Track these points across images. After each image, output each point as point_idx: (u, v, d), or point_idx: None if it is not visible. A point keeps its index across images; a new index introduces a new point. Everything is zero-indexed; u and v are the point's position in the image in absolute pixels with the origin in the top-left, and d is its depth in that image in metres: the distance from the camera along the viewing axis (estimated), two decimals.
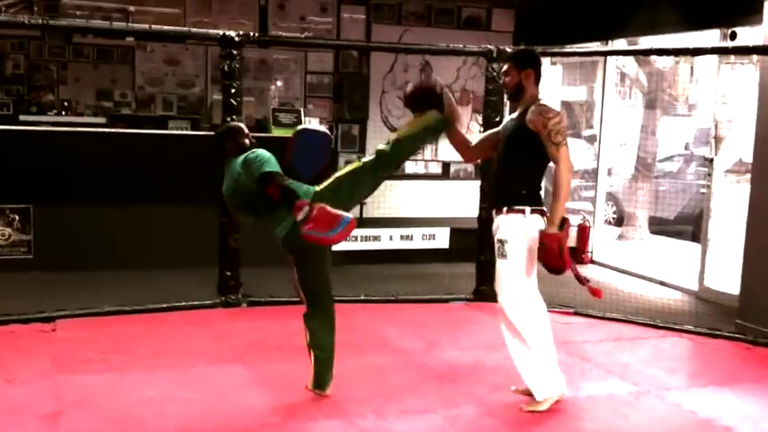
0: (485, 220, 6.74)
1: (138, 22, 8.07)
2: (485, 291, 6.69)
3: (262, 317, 6.05)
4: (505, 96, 5.64)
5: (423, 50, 7.95)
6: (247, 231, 6.35)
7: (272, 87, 9.13)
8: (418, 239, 8.19)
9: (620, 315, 6.43)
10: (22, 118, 7.83)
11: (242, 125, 4.55)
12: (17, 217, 7.11)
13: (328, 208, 3.91)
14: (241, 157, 4.24)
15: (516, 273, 4.26)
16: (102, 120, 8.09)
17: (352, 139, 9.20)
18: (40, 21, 6.37)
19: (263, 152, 4.23)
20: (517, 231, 4.24)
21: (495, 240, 4.32)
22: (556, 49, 7.83)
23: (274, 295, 6.33)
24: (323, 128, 4.64)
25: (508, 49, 6.92)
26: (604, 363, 5.26)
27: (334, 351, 4.37)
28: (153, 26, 6.74)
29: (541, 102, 4.28)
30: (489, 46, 6.92)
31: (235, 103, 6.20)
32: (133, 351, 5.03)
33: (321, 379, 4.35)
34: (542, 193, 4.41)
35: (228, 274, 6.26)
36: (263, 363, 4.94)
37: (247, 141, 4.38)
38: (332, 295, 4.42)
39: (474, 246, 6.91)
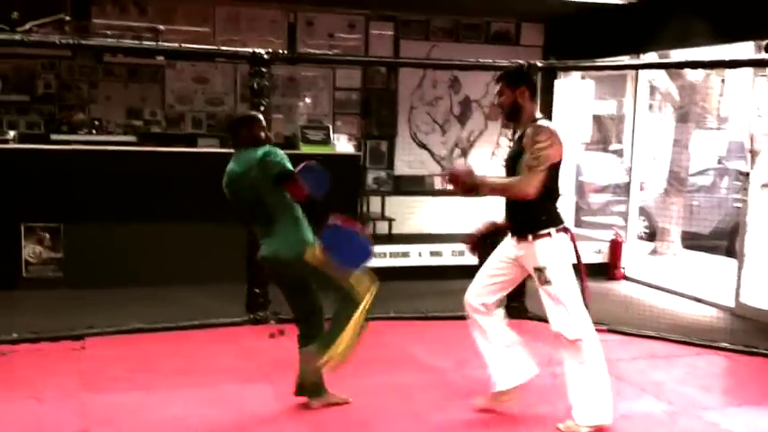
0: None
1: (168, 41, 8.17)
2: (515, 307, 6.60)
3: (290, 334, 6.01)
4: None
5: (451, 66, 7.93)
6: None
7: (301, 104, 9.14)
8: (448, 255, 8.11)
9: (654, 332, 6.30)
10: (53, 137, 7.90)
11: (260, 116, 4.43)
12: (48, 235, 7.16)
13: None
14: (259, 151, 4.11)
15: (565, 295, 4.15)
16: (132, 138, 8.16)
17: (381, 156, 9.17)
18: (71, 41, 6.45)
19: (281, 151, 4.16)
20: (552, 255, 4.15)
21: (533, 269, 4.20)
22: (586, 63, 7.75)
23: None
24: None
25: (539, 64, 6.88)
26: (638, 381, 5.16)
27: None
28: (183, 45, 6.79)
29: (539, 121, 4.18)
30: (519, 60, 6.86)
31: (263, 120, 6.17)
32: (160, 369, 5.02)
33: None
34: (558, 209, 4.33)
35: (257, 291, 6.23)
36: (289, 381, 4.89)
37: (263, 134, 4.28)
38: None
39: None
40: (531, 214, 4.17)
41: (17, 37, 6.50)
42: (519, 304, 6.67)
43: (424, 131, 9.41)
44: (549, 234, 4.15)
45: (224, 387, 4.75)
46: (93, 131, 8.32)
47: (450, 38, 9.42)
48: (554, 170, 4.17)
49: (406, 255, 7.99)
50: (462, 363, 5.41)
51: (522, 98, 4.21)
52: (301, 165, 4.18)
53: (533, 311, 6.68)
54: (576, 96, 8.86)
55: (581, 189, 10.31)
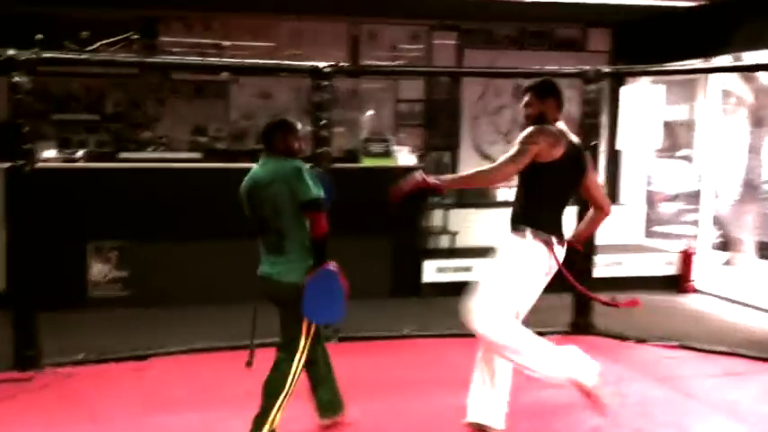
0: (575, 250, 6.52)
1: (232, 57, 8.27)
2: (582, 323, 6.46)
3: (352, 353, 5.97)
4: None
5: (514, 74, 7.83)
6: (340, 265, 6.30)
7: (363, 117, 9.13)
8: None
9: (728, 348, 6.09)
10: (122, 155, 8.05)
11: (297, 125, 4.28)
12: (113, 254, 7.27)
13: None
14: (291, 164, 4.00)
15: (497, 288, 4.17)
16: (197, 155, 8.23)
17: (444, 167, 9.08)
18: (139, 59, 6.56)
19: (310, 171, 4.08)
20: (512, 250, 4.17)
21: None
22: (655, 68, 7.54)
23: (366, 331, 6.29)
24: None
25: (605, 70, 6.71)
26: (711, 400, 4.98)
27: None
28: (245, 60, 6.83)
29: (552, 126, 4.17)
30: (585, 67, 6.71)
31: (325, 134, 6.17)
32: (222, 390, 5.03)
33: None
34: (560, 223, 4.28)
35: None
36: (349, 403, 4.85)
37: (297, 145, 4.16)
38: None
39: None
40: (521, 212, 4.23)
41: (86, 56, 6.67)
42: (586, 321, 6.52)
43: (488, 142, 9.29)
44: (523, 233, 4.14)
45: (286, 410, 4.71)
46: (160, 149, 8.46)
47: (514, 46, 9.30)
48: (553, 174, 4.13)
49: (468, 269, 7.87)
50: (526, 381, 5.28)
51: (548, 109, 4.22)
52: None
53: (599, 327, 6.53)
54: (645, 102, 8.63)
55: (651, 198, 10.03)
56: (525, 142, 4.06)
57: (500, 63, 8.92)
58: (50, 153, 7.57)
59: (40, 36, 6.44)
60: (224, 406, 4.74)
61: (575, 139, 4.30)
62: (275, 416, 4.08)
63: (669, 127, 11.34)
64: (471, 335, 6.32)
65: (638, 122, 8.18)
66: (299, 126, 4.25)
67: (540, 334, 6.41)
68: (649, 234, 9.84)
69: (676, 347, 6.17)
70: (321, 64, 6.24)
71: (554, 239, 4.19)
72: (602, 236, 6.91)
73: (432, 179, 3.93)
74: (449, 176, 4.31)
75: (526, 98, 4.31)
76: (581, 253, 4.65)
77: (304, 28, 8.86)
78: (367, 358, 5.78)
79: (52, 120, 8.24)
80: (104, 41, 7.58)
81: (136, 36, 7.80)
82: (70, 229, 7.05)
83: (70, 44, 7.47)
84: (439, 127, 9.19)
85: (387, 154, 7.82)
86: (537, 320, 6.79)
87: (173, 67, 8.16)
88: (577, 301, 6.57)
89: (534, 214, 4.20)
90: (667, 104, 8.21)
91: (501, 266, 4.21)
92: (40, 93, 8.42)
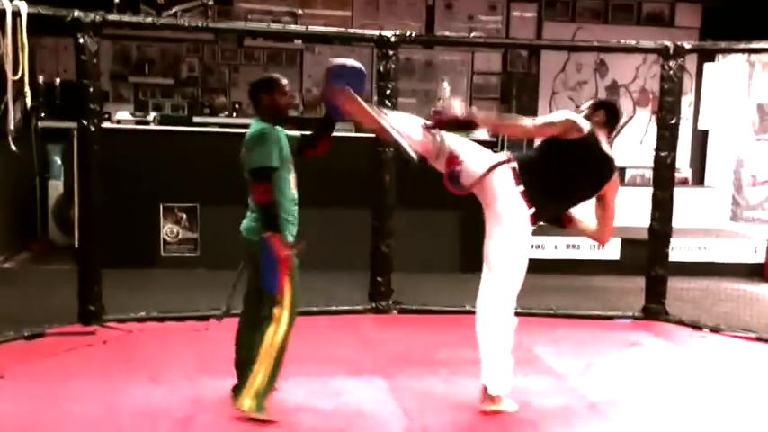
0: (656, 232, 6.27)
1: (307, 25, 8.18)
2: (654, 309, 6.21)
3: (411, 326, 5.88)
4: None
5: (593, 48, 7.55)
6: (400, 237, 6.22)
7: (437, 89, 8.95)
8: (585, 249, 7.73)
9: None
10: (195, 120, 8.09)
11: (283, 81, 4.11)
12: (185, 216, 7.33)
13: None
14: (259, 128, 3.97)
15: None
16: None
17: (519, 143, 8.84)
18: (214, 24, 6.53)
19: (277, 134, 3.99)
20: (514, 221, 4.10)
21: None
22: (742, 46, 7.13)
23: (426, 303, 6.20)
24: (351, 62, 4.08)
25: (686, 46, 6.39)
26: None
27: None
28: (313, 28, 6.76)
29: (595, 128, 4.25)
30: (666, 42, 6.39)
31: (389, 104, 6.04)
32: None
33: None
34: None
35: (379, 279, 6.14)
36: (405, 376, 4.76)
37: (283, 102, 4.05)
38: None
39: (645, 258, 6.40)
40: (528, 177, 4.12)
41: (162, 21, 6.68)
42: (659, 306, 6.27)
43: None
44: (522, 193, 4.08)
45: (338, 379, 4.66)
46: (234, 114, 8.47)
47: (597, 19, 8.98)
48: (570, 154, 4.12)
49: (540, 247, 7.66)
50: (589, 367, 5.10)
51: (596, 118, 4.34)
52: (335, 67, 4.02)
53: (673, 313, 6.28)
54: (733, 82, 8.23)
55: (738, 181, 9.58)
56: (569, 116, 4.17)
57: (582, 37, 8.63)
58: (125, 115, 7.67)
59: None
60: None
61: (607, 149, 4.27)
62: (257, 386, 3.93)
63: (763, 110, 10.84)
64: (538, 314, 6.23)
65: (725, 102, 7.81)
66: (285, 82, 4.10)
67: (610, 318, 6.32)
68: (736, 218, 9.40)
69: (753, 339, 5.85)
70: (387, 33, 6.13)
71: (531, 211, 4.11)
72: (682, 218, 6.63)
73: (466, 112, 3.95)
74: (485, 114, 4.35)
75: (596, 112, 4.38)
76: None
77: None
78: (425, 331, 5.67)
79: (129, 82, 8.32)
80: (181, 7, 7.59)
81: (211, 2, 7.75)
82: (143, 190, 7.13)
83: (147, 8, 7.53)
84: (516, 101, 8.94)
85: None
86: (609, 303, 6.64)
87: (248, 33, 8.11)
88: (650, 285, 6.31)
89: (536, 181, 4.11)
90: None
91: (508, 245, 4.14)
92: (118, 56, 8.70)
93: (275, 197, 3.98)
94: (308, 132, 4.40)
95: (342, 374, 4.75)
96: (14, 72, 4.93)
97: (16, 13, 4.91)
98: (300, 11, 8.38)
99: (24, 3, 4.99)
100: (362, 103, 4.03)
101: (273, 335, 3.97)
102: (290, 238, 4.07)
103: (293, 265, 4.01)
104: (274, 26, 7.12)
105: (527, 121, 4.24)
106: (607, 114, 4.38)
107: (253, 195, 4.04)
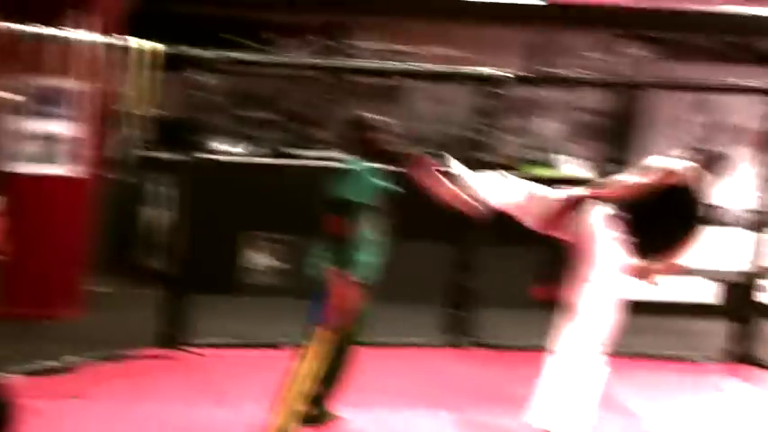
0: (754, 275, 6.03)
1: (410, 62, 8.28)
2: (738, 352, 5.94)
3: (485, 361, 5.80)
4: None
5: (698, 88, 7.64)
6: (491, 274, 6.16)
7: (535, 125, 8.87)
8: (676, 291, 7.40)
9: None
10: (291, 152, 8.28)
11: (381, 120, 4.18)
12: (274, 245, 7.50)
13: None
14: (350, 163, 4.03)
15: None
16: None
17: None
18: (314, 61, 6.75)
19: (365, 171, 3.99)
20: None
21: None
22: None
23: (502, 339, 6.13)
24: None
25: None
26: None
27: None
28: (417, 65, 6.89)
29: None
30: None
31: (483, 141, 6.20)
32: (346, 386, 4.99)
33: None
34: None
35: (456, 313, 6.10)
36: (472, 411, 4.69)
37: (386, 147, 4.08)
38: None
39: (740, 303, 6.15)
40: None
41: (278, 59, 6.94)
42: (744, 349, 6.03)
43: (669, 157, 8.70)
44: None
45: (401, 412, 4.64)
46: (332, 149, 8.61)
47: (707, 57, 8.68)
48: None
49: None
50: (667, 411, 4.89)
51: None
52: None
53: (761, 357, 5.98)
54: None
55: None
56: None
57: (689, 76, 8.36)
58: (224, 146, 7.94)
59: (226, 36, 6.79)
60: (342, 401, 4.69)
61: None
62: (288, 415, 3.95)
63: None
64: (618, 353, 6.00)
65: None
66: (380, 120, 4.13)
67: (695, 361, 6.03)
68: None
69: None
70: (494, 71, 6.19)
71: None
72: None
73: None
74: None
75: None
76: None
77: (484, 34, 8.69)
78: (499, 368, 5.66)
79: (228, 114, 8.62)
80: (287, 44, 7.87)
81: (313, 38, 8.00)
82: (235, 219, 7.32)
83: (251, 44, 7.83)
84: (615, 139, 8.72)
85: (547, 163, 7.52)
86: (693, 345, 6.34)
87: (349, 70, 8.28)
88: (739, 328, 6.03)
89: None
90: None
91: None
92: (218, 89, 8.98)
93: (348, 232, 3.94)
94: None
95: (406, 406, 4.73)
96: (139, 107, 5.25)
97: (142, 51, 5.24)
98: (405, 48, 8.47)
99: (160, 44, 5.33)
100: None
101: (304, 370, 3.98)
102: (357, 278, 3.99)
103: (354, 305, 3.96)
104: (384, 64, 7.27)
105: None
106: (708, 159, 4.55)
107: (326, 226, 4.02)
